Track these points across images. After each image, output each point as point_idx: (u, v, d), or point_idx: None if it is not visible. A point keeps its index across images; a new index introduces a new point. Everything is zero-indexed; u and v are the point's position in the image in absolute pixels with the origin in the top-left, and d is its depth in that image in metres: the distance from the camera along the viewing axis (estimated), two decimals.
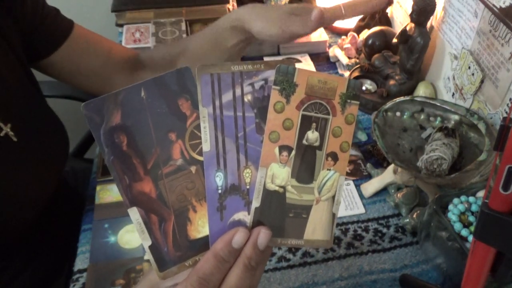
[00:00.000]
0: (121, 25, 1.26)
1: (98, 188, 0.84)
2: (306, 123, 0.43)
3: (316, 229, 0.44)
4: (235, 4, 1.33)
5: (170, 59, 0.82)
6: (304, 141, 0.43)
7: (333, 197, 0.44)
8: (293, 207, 0.43)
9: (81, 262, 0.73)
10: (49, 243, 0.87)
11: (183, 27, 1.20)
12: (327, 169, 0.44)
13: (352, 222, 0.78)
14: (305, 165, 0.43)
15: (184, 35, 1.17)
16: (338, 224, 0.78)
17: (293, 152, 0.42)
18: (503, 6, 0.73)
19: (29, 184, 0.74)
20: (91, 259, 0.72)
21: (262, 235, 0.41)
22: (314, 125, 0.43)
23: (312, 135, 0.43)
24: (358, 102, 0.44)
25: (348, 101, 0.43)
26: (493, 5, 0.75)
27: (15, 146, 0.70)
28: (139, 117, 0.41)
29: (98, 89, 0.83)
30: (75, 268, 0.72)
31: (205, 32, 0.80)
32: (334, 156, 0.44)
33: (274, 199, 0.43)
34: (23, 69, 0.74)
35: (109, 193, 0.83)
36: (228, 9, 1.28)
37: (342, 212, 0.79)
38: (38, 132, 0.75)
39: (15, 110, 0.71)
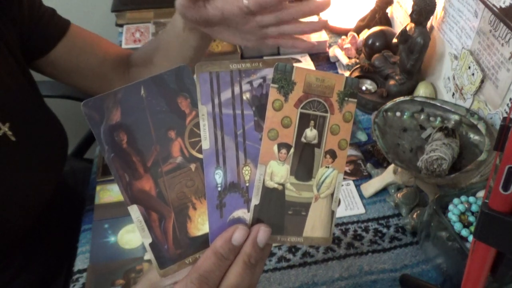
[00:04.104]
0: (121, 25, 1.27)
1: (98, 188, 0.84)
2: (304, 121, 0.43)
3: (315, 227, 0.44)
4: None
5: (149, 56, 0.82)
6: (303, 139, 0.43)
7: (332, 194, 0.44)
8: (292, 204, 0.43)
9: (81, 262, 0.73)
10: (49, 243, 0.87)
11: None
12: (326, 167, 0.44)
13: (352, 222, 0.78)
14: (304, 162, 0.43)
15: None
16: (338, 224, 0.77)
17: (292, 150, 0.43)
18: (503, 6, 0.73)
19: (29, 183, 0.74)
20: (91, 259, 0.72)
21: (262, 232, 0.41)
22: (312, 123, 0.43)
23: (310, 133, 0.43)
24: (355, 100, 0.44)
25: (346, 99, 0.44)
26: (493, 5, 0.75)
27: (14, 145, 0.70)
28: (138, 115, 0.41)
29: (95, 89, 0.83)
30: (75, 268, 0.72)
31: (169, 26, 0.78)
32: (332, 154, 0.44)
33: (273, 196, 0.43)
34: (21, 69, 0.75)
35: (109, 193, 0.83)
36: None
37: (342, 212, 0.79)
38: (37, 132, 0.76)
39: (13, 110, 0.71)
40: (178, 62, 0.81)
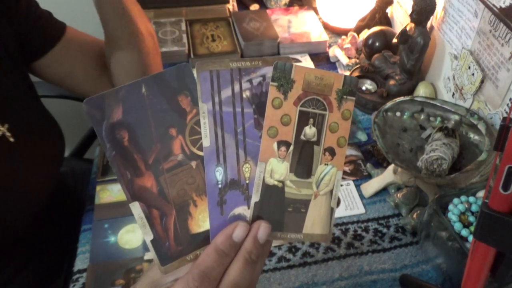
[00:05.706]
0: None
1: (98, 188, 0.84)
2: (303, 119, 0.43)
3: (315, 223, 0.44)
4: (235, 4, 1.33)
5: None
6: (302, 137, 0.43)
7: (331, 191, 0.45)
8: (292, 201, 0.43)
9: (81, 262, 0.73)
10: (49, 243, 0.87)
11: (183, 27, 1.21)
12: (325, 164, 0.44)
13: (352, 222, 0.78)
14: (303, 160, 0.43)
15: (184, 35, 1.17)
16: (338, 224, 0.78)
17: (291, 147, 0.43)
18: (503, 6, 0.73)
19: (27, 184, 0.74)
20: (91, 259, 0.72)
21: (262, 229, 0.41)
22: (311, 120, 0.43)
23: (309, 131, 0.43)
24: (354, 98, 0.44)
25: (345, 97, 0.44)
26: (493, 5, 0.75)
27: (12, 146, 0.70)
28: (140, 113, 0.41)
29: (90, 90, 0.82)
30: (75, 268, 0.72)
31: None
32: (331, 151, 0.44)
33: (273, 193, 0.43)
34: (18, 70, 0.75)
35: (109, 193, 0.83)
36: (228, 9, 1.28)
37: (342, 212, 0.79)
38: (35, 133, 0.76)
39: (11, 111, 0.71)
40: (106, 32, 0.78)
